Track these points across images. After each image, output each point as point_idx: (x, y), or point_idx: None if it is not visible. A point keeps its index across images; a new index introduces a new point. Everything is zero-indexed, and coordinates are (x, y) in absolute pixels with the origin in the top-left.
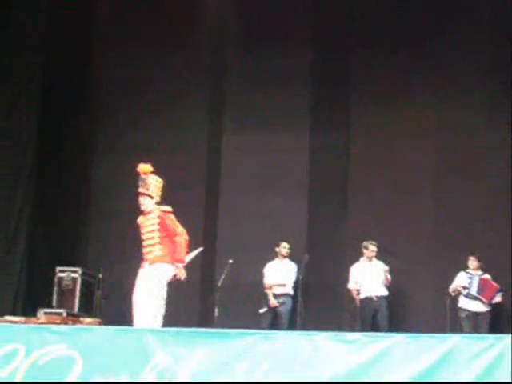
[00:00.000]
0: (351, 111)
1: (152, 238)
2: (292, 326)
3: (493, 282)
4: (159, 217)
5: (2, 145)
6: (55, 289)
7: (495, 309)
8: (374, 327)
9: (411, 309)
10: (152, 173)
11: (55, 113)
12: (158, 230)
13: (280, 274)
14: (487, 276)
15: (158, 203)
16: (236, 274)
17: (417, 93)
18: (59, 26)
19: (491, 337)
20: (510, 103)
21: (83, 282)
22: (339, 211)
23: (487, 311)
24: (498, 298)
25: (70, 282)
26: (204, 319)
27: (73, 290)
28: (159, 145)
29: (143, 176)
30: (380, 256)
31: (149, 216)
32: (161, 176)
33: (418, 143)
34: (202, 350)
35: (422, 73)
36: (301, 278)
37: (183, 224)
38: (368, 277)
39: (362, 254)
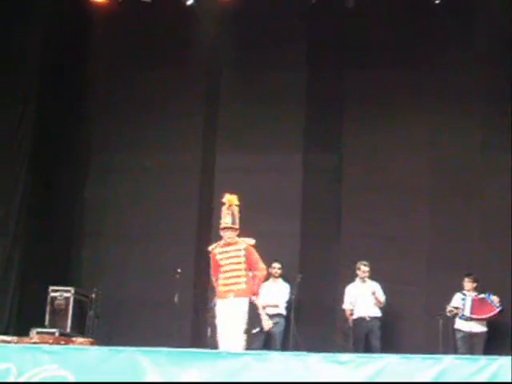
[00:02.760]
0: (344, 131)
1: (239, 269)
2: (285, 347)
3: (488, 301)
4: (245, 249)
5: None
6: (48, 308)
7: (491, 329)
8: (367, 348)
9: (404, 329)
10: (236, 205)
11: (48, 133)
12: (245, 262)
13: (273, 295)
14: (482, 296)
15: (239, 234)
16: None
17: (411, 113)
18: (54, 47)
19: (484, 358)
20: (504, 122)
21: (76, 302)
22: (332, 231)
23: (483, 332)
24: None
25: (63, 302)
26: (196, 339)
27: (65, 310)
28: (152, 164)
29: (229, 207)
30: (374, 276)
31: (232, 247)
32: (154, 195)
33: (412, 164)
34: (194, 370)
35: (416, 93)
36: (293, 298)
37: (177, 243)
38: (361, 297)
39: (356, 275)
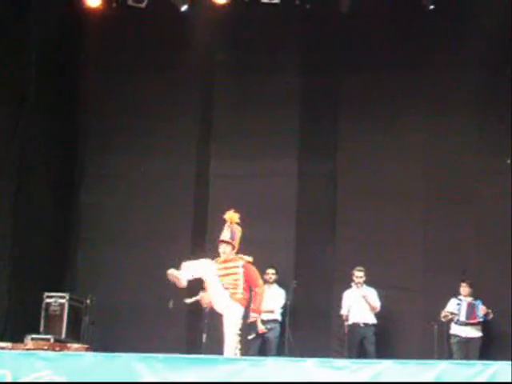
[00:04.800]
0: (339, 137)
1: (236, 285)
2: (280, 352)
3: (476, 309)
4: (244, 267)
5: None
6: (43, 314)
7: (487, 335)
8: (362, 353)
9: (399, 335)
10: (237, 223)
11: (43, 138)
12: (243, 279)
13: (268, 301)
14: (473, 302)
15: (237, 251)
16: None
17: (406, 117)
18: (49, 53)
19: (479, 363)
20: (500, 126)
21: (70, 308)
22: (327, 237)
23: (479, 337)
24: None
25: (58, 308)
26: (192, 346)
27: (60, 316)
28: (147, 170)
29: (230, 224)
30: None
31: (230, 264)
32: (149, 200)
33: (407, 168)
34: (190, 375)
35: (410, 97)
36: (288, 303)
37: (171, 249)
38: (356, 303)
39: (352, 281)
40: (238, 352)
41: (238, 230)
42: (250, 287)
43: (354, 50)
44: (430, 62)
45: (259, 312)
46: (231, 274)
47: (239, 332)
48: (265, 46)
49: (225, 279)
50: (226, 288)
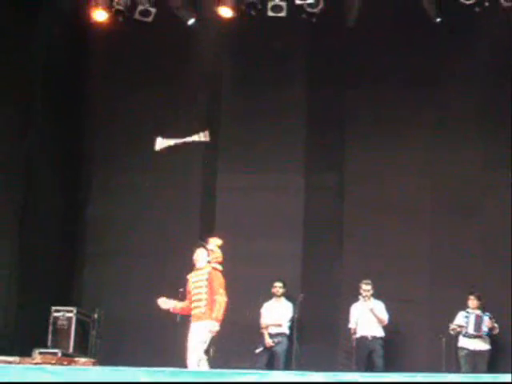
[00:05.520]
0: (346, 150)
1: (199, 293)
2: (288, 366)
3: (482, 322)
4: (209, 273)
5: None
6: (50, 329)
7: (495, 348)
8: (370, 367)
9: (407, 348)
10: (219, 247)
11: (49, 152)
12: (206, 286)
13: (276, 314)
14: (481, 314)
15: (210, 262)
16: (231, 313)
17: (412, 131)
18: (55, 66)
19: (488, 376)
20: (505, 139)
21: (78, 322)
22: (334, 250)
23: (487, 350)
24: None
25: (65, 322)
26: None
27: (68, 330)
28: (153, 184)
29: (211, 244)
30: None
31: (199, 272)
32: (156, 214)
33: (414, 182)
34: None
35: (417, 111)
36: (296, 317)
37: (178, 263)
38: (364, 316)
39: (359, 294)
40: (204, 363)
41: (217, 247)
42: None
43: (360, 64)
44: (436, 75)
45: (219, 321)
46: (198, 281)
47: (203, 345)
48: (271, 60)
49: (193, 288)
50: (193, 301)
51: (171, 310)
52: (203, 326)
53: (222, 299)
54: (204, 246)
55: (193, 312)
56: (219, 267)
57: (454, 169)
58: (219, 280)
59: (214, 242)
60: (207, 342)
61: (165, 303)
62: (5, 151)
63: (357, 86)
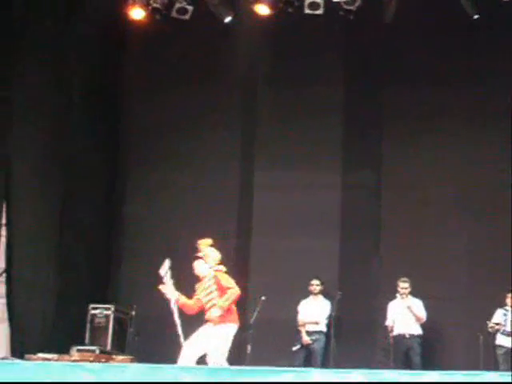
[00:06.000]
0: (383, 148)
1: (212, 299)
2: (325, 364)
3: None
4: (214, 277)
5: (34, 184)
6: (88, 326)
7: None
8: (407, 365)
9: (445, 346)
10: (211, 246)
11: (86, 150)
12: (216, 289)
13: (313, 312)
14: None
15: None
16: (268, 311)
17: (450, 129)
18: (92, 64)
19: None
20: None
21: (116, 319)
22: (372, 248)
23: None
24: None
25: (103, 319)
26: (237, 356)
27: (105, 327)
28: (190, 181)
29: (203, 248)
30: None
31: (205, 280)
32: (194, 213)
33: (451, 179)
34: None
35: (456, 108)
36: (333, 314)
37: None
38: (401, 314)
39: (397, 292)
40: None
41: (214, 253)
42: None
43: (397, 60)
44: (475, 72)
45: (223, 309)
46: (206, 288)
47: (225, 351)
48: (308, 57)
49: (204, 298)
50: (207, 310)
51: (173, 302)
52: (224, 331)
53: (233, 291)
54: (198, 257)
55: (209, 317)
56: (222, 268)
57: (492, 167)
58: (226, 279)
59: (205, 244)
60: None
61: (168, 290)
62: (44, 151)
63: (394, 82)
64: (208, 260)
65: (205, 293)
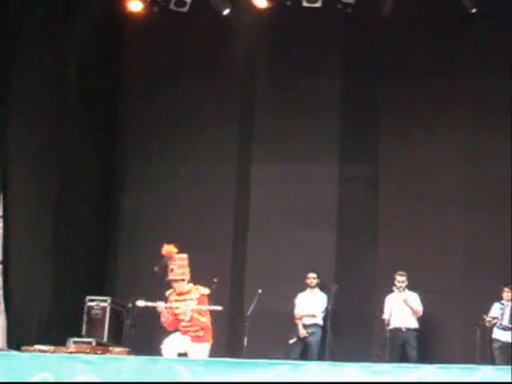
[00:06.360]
0: (380, 141)
1: (193, 324)
2: (321, 357)
3: None
4: (198, 299)
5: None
6: (84, 318)
7: None
8: (404, 358)
9: (441, 340)
10: (176, 253)
11: (83, 142)
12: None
13: (310, 305)
14: None
15: (190, 281)
16: (265, 303)
17: (447, 122)
18: (90, 58)
19: None
20: None
21: (112, 311)
22: (368, 241)
23: None
24: None
25: (100, 311)
26: (233, 349)
27: (102, 319)
28: (188, 174)
29: (168, 261)
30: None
31: (186, 296)
32: (191, 206)
33: (448, 173)
34: (231, 379)
35: (453, 102)
36: (330, 308)
37: (212, 253)
38: (398, 308)
39: (394, 285)
40: None
41: (183, 260)
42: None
43: (395, 54)
44: (473, 66)
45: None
46: (188, 304)
47: None
48: (306, 50)
49: (196, 320)
50: (186, 331)
51: (162, 320)
52: (205, 349)
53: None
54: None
55: (191, 334)
56: (206, 291)
57: (491, 161)
58: (206, 306)
59: (169, 251)
60: None
61: (162, 309)
62: (41, 143)
63: (392, 76)
64: (185, 275)
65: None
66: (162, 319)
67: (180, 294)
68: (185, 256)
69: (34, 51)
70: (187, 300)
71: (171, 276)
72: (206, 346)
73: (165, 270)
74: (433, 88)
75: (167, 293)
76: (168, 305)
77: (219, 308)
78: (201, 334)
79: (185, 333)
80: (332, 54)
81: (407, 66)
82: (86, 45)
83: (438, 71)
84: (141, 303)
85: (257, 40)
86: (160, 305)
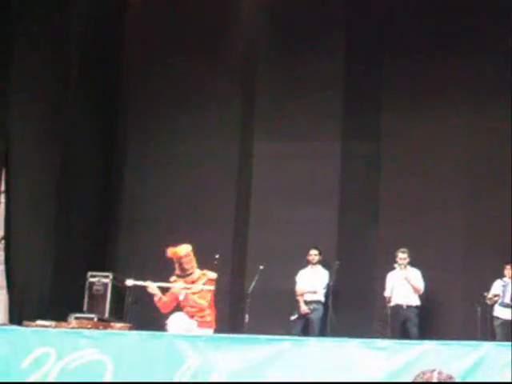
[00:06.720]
0: (382, 119)
1: (202, 308)
2: (323, 333)
3: None
4: (205, 283)
5: (34, 153)
6: (86, 294)
7: None
8: (405, 335)
9: (443, 317)
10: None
11: (85, 119)
12: (205, 295)
13: (311, 281)
14: None
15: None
16: (266, 280)
17: (449, 100)
18: (91, 35)
19: None
20: None
21: (114, 287)
22: (370, 218)
23: None
24: None
25: (101, 287)
26: (234, 325)
27: (103, 295)
28: (189, 151)
29: (176, 260)
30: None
31: (193, 285)
32: (192, 181)
33: (450, 150)
34: (233, 355)
35: (455, 80)
36: (331, 284)
37: (214, 230)
38: (399, 285)
39: (395, 262)
40: None
41: (188, 255)
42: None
43: (398, 33)
44: (476, 45)
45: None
46: (196, 292)
47: None
48: (308, 29)
49: (191, 301)
50: (192, 315)
51: (155, 299)
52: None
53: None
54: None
55: (198, 318)
56: (213, 276)
57: (492, 138)
58: (211, 292)
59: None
60: None
61: (153, 289)
62: (43, 120)
63: (394, 54)
64: (192, 268)
65: (195, 297)
66: (156, 299)
67: (191, 282)
68: (189, 249)
69: (35, 30)
70: (198, 286)
71: (180, 273)
72: (210, 332)
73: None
74: (434, 66)
75: (172, 279)
76: (158, 284)
77: (211, 287)
78: (208, 319)
79: (191, 317)
80: (334, 31)
81: (409, 43)
82: (86, 26)
83: (440, 50)
84: (130, 282)
85: (259, 18)
86: (150, 284)
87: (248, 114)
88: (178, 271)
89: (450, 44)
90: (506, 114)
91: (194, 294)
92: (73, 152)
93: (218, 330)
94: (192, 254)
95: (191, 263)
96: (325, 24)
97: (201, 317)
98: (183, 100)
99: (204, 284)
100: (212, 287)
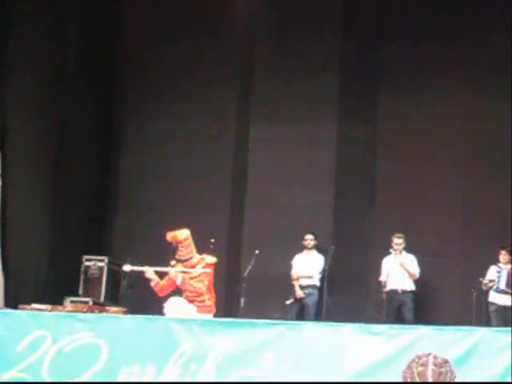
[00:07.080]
0: (379, 103)
1: (200, 293)
2: (318, 318)
3: None
4: (207, 269)
5: (30, 136)
6: (82, 277)
7: None
8: (400, 320)
9: (438, 302)
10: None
11: (82, 102)
12: (204, 278)
13: (307, 266)
14: None
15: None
16: (262, 264)
17: (446, 83)
18: (89, 16)
19: None
20: None
21: (109, 271)
22: (366, 203)
23: None
24: None
25: (97, 271)
26: (230, 310)
27: (99, 279)
28: (186, 134)
29: (175, 245)
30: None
31: (192, 269)
32: (188, 165)
33: (447, 134)
34: (228, 339)
35: (452, 64)
36: (327, 269)
37: (210, 214)
38: (394, 270)
39: (391, 247)
40: None
41: (187, 239)
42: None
43: (394, 16)
44: (474, 29)
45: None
46: (194, 277)
47: None
48: (306, 13)
49: (189, 285)
50: (192, 301)
51: (152, 284)
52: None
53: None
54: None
55: (197, 303)
56: (212, 260)
57: (490, 124)
58: (211, 277)
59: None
60: None
61: (150, 274)
62: (40, 102)
63: (391, 38)
64: (192, 252)
65: (193, 281)
66: (152, 284)
67: (190, 266)
68: (188, 234)
69: (33, 4)
70: (197, 271)
71: (180, 257)
72: (210, 317)
73: (175, 253)
74: (432, 49)
75: (172, 263)
76: (155, 268)
77: (208, 270)
78: (208, 303)
79: (191, 302)
80: (331, 16)
81: (406, 27)
82: (85, 8)
83: (438, 33)
84: (127, 267)
85: (256, 3)
86: (147, 269)
87: (244, 97)
88: (177, 255)
89: (448, 27)
90: (505, 97)
91: (191, 278)
92: (69, 136)
93: (215, 315)
94: (191, 239)
95: (190, 247)
96: (322, 8)
97: (200, 301)
98: (180, 82)
99: (203, 268)
100: (209, 270)
